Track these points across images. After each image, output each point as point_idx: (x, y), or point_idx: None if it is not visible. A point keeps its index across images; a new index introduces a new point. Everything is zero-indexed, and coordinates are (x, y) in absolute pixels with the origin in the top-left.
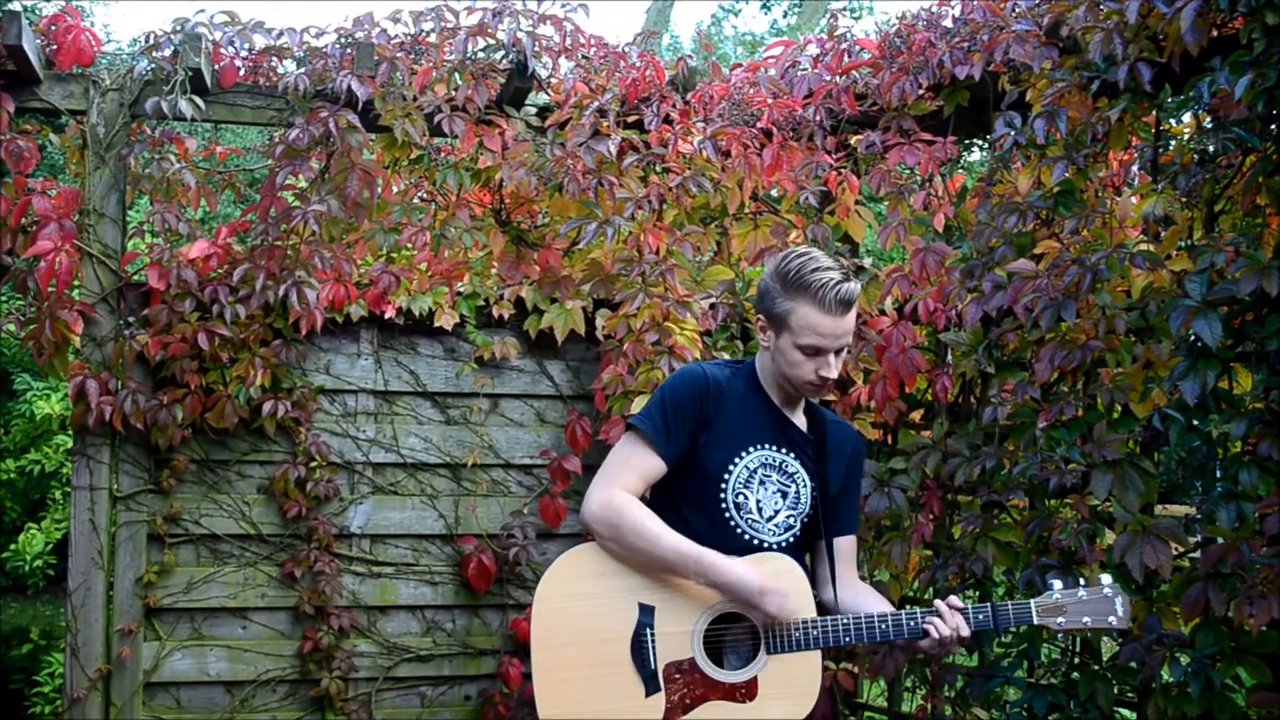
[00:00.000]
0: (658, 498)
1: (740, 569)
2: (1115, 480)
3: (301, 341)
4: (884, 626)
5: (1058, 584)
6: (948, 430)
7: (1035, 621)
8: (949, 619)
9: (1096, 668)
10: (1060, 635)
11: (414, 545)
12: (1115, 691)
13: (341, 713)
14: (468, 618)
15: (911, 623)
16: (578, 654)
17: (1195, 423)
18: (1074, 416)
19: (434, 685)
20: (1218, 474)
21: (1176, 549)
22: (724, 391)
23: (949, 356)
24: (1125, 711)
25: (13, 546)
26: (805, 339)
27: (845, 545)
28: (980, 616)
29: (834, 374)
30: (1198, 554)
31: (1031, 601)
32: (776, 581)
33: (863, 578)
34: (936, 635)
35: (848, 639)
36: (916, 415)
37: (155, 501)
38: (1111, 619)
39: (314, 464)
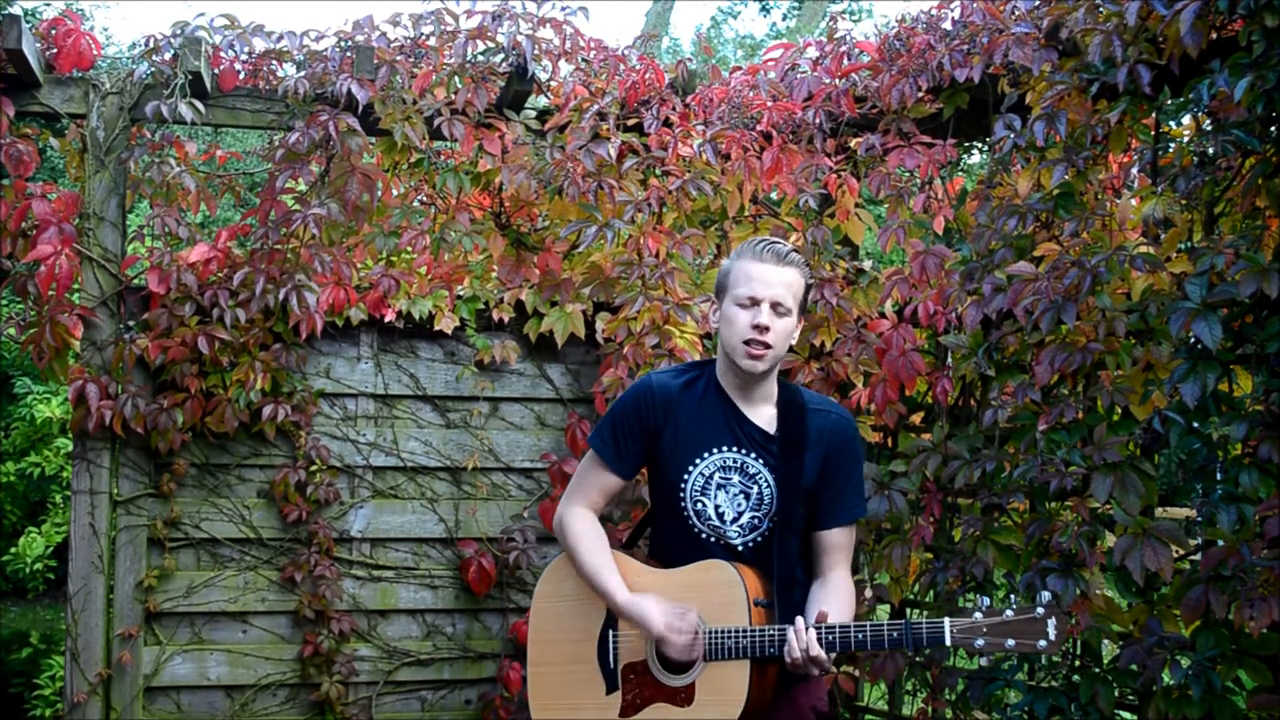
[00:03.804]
0: (651, 500)
1: (650, 612)
2: (1115, 483)
3: (301, 345)
4: (746, 641)
5: (983, 603)
6: (948, 433)
7: (948, 642)
8: (799, 639)
9: (1097, 670)
10: (983, 655)
11: (414, 549)
12: (1116, 694)
13: (342, 717)
14: (468, 621)
15: (772, 639)
16: (556, 651)
17: (1195, 425)
18: (1074, 419)
19: (434, 689)
20: (1218, 476)
21: (1177, 551)
22: (673, 399)
23: (949, 359)
24: (1126, 714)
25: (13, 550)
26: (740, 288)
27: (827, 539)
28: (894, 634)
29: (770, 330)
30: (1198, 556)
31: (946, 620)
32: (705, 595)
33: (860, 581)
34: (788, 657)
35: (737, 653)
36: (917, 418)
37: (155, 506)
38: (1041, 643)
39: (314, 468)
